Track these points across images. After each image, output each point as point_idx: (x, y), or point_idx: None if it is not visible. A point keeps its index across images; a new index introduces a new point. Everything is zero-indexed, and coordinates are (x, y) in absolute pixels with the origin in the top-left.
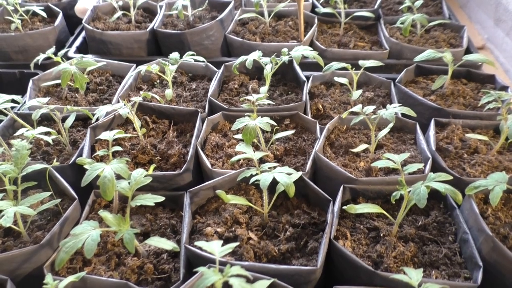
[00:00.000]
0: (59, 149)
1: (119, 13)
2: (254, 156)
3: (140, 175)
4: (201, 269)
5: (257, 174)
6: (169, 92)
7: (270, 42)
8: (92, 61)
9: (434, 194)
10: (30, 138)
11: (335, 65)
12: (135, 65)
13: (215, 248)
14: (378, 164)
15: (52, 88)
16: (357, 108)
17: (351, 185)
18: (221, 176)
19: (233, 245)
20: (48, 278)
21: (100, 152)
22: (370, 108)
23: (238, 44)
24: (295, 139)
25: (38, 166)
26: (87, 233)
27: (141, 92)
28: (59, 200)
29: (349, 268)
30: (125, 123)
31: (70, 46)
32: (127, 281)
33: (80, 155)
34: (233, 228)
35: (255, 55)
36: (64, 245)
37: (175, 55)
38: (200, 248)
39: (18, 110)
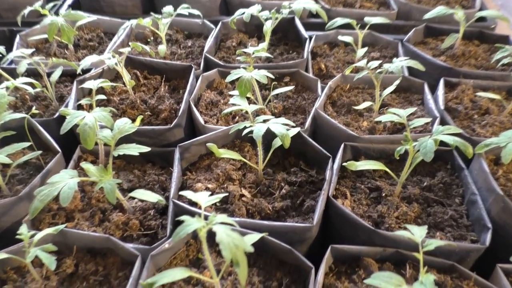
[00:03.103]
0: (45, 105)
1: None
2: (249, 108)
3: (124, 124)
4: (183, 217)
5: (251, 126)
6: (162, 48)
7: (268, 0)
8: (81, 14)
9: (440, 155)
10: (11, 88)
11: (340, 20)
12: (127, 21)
13: (200, 198)
14: (383, 118)
15: (41, 44)
16: (361, 63)
17: (353, 143)
18: (210, 133)
19: (220, 195)
20: (23, 228)
21: (83, 101)
22: (375, 63)
23: (237, 2)
24: (294, 98)
25: (17, 115)
26: (64, 182)
27: (130, 43)
28: (40, 152)
29: (347, 227)
30: (115, 78)
31: (62, 3)
32: (110, 236)
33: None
34: (225, 185)
35: (254, 9)
36: (39, 194)
37: (169, 8)
38: (188, 203)
39: (2, 64)
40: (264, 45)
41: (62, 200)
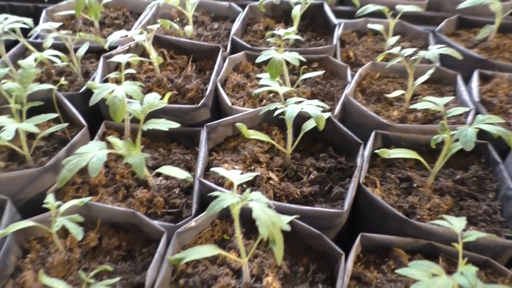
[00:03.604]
0: (70, 80)
1: None
2: (280, 89)
3: (154, 99)
4: (217, 193)
5: (282, 108)
6: (189, 28)
7: None
8: None
9: (474, 148)
10: (39, 60)
11: (371, 7)
12: (153, 1)
13: (233, 175)
14: (418, 106)
15: (66, 21)
16: (395, 50)
17: (384, 132)
18: (238, 114)
19: (252, 174)
20: (49, 197)
21: (112, 75)
22: (409, 51)
23: None
24: (323, 83)
25: (45, 86)
26: (93, 153)
27: (159, 20)
28: (66, 124)
29: (377, 216)
30: (141, 56)
31: None
32: (135, 211)
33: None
34: (252, 167)
35: None
36: (67, 163)
37: None
38: (215, 182)
39: (28, 37)
40: (293, 28)
41: (91, 171)
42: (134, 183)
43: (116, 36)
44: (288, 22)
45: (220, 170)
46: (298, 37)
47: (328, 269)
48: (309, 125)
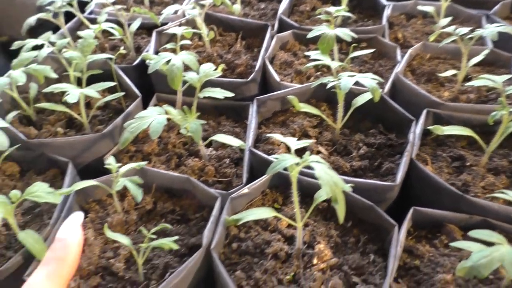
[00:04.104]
0: (123, 55)
1: None
2: (332, 64)
3: (209, 68)
4: (277, 155)
5: (334, 81)
6: (237, 6)
7: None
8: None
9: None
10: (96, 31)
11: None
12: None
13: (290, 141)
14: (475, 83)
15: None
16: (450, 28)
17: (436, 110)
18: (288, 88)
19: (309, 141)
20: (110, 159)
21: (168, 45)
22: (464, 29)
23: None
24: (371, 63)
25: (104, 55)
26: (153, 117)
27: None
28: (123, 93)
29: (429, 192)
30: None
31: None
32: (190, 177)
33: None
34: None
35: None
36: (129, 126)
37: None
38: (265, 153)
39: (84, 13)
40: (342, 7)
41: (152, 132)
42: (185, 152)
43: (170, 9)
44: (335, 4)
45: (277, 136)
46: (349, 14)
47: (379, 241)
48: (360, 100)
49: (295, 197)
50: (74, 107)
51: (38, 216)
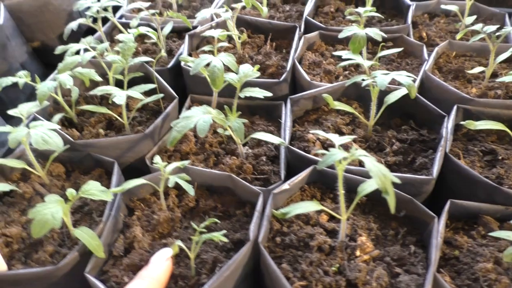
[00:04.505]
0: (154, 57)
1: None
2: (364, 62)
3: (248, 69)
4: (322, 151)
5: (369, 79)
6: (264, 9)
7: None
8: None
9: None
10: (135, 34)
11: None
12: None
13: (333, 137)
14: (506, 79)
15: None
16: (477, 26)
17: (466, 106)
18: (319, 87)
19: (351, 136)
20: (157, 158)
21: (206, 48)
22: (491, 27)
23: None
24: (398, 62)
25: (144, 58)
26: (198, 116)
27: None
28: (162, 95)
29: (463, 185)
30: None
31: None
32: (231, 174)
33: (178, 61)
34: None
35: None
36: (176, 125)
37: None
38: (302, 150)
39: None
40: (370, 8)
41: (199, 131)
42: (222, 151)
43: (205, 13)
44: (358, 4)
45: (320, 132)
46: (378, 14)
47: (417, 234)
48: (392, 97)
49: (340, 190)
50: (114, 109)
51: (87, 214)
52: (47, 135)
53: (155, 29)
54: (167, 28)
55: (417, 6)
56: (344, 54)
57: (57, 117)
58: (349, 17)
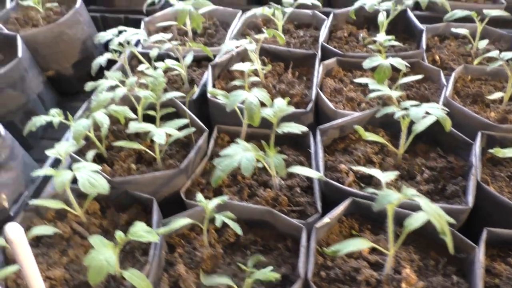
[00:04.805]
0: (176, 87)
1: None
2: (392, 93)
3: (283, 104)
4: (372, 190)
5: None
6: (282, 36)
7: None
8: (207, 1)
9: None
10: (163, 68)
11: (459, 13)
12: (241, 11)
13: (377, 173)
14: None
15: (161, 31)
16: (493, 53)
17: (489, 132)
18: (347, 117)
19: (394, 172)
20: (199, 196)
21: (237, 82)
22: (509, 54)
23: None
24: (416, 87)
25: (175, 94)
26: (240, 154)
27: (264, 30)
28: (194, 129)
29: (496, 212)
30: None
31: None
32: (271, 209)
33: (203, 91)
34: (367, 168)
35: (373, 0)
36: (219, 164)
37: None
38: (337, 180)
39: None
40: (383, 35)
41: (244, 170)
42: (255, 183)
43: (231, 45)
44: (369, 28)
45: (362, 168)
46: (398, 43)
47: (457, 263)
48: (421, 126)
49: (390, 228)
50: (143, 142)
51: (130, 253)
52: (93, 178)
53: (175, 59)
54: (188, 59)
55: (427, 29)
56: (365, 81)
57: (91, 154)
58: (370, 47)
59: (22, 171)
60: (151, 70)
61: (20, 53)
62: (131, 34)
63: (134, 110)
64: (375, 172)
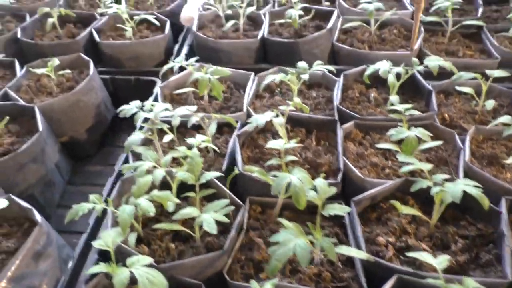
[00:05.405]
0: (201, 155)
1: (231, 22)
2: (423, 166)
3: (325, 184)
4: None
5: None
6: (298, 100)
7: (379, 51)
8: (225, 70)
9: None
10: (197, 145)
11: (465, 75)
12: (253, 73)
13: (431, 259)
14: None
15: (176, 95)
16: (506, 118)
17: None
18: (379, 185)
19: (446, 257)
20: (253, 284)
21: (274, 161)
22: None
23: (346, 52)
24: (434, 149)
25: (214, 173)
26: (293, 241)
27: (290, 102)
28: (233, 207)
29: None
30: (263, 131)
31: (178, 53)
32: None
33: (231, 162)
34: (404, 238)
35: (385, 65)
36: (274, 253)
37: (302, 64)
38: (378, 255)
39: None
40: (396, 99)
41: (301, 261)
42: (295, 258)
43: (260, 120)
44: (378, 87)
45: (418, 255)
46: (417, 112)
47: None
48: (451, 197)
49: None
50: (179, 220)
51: None
52: (150, 275)
53: (196, 126)
54: (213, 128)
55: (432, 86)
56: (388, 147)
57: (133, 237)
58: (392, 116)
59: (58, 255)
60: (182, 149)
61: (40, 126)
62: (160, 109)
63: (164, 186)
64: (427, 257)
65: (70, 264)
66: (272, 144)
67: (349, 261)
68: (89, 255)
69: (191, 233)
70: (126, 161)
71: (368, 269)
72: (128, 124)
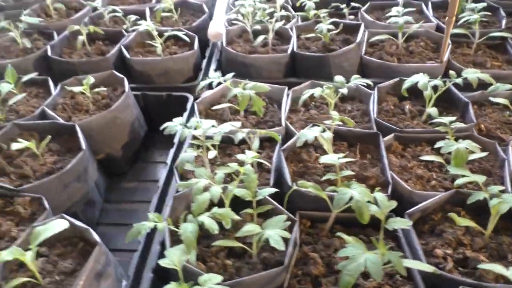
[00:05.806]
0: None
1: (261, 37)
2: (479, 179)
3: (384, 198)
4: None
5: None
6: (335, 113)
7: (408, 63)
8: (264, 85)
9: None
10: (249, 161)
11: (502, 86)
12: (287, 87)
13: (503, 271)
14: None
15: (211, 111)
16: None
17: None
18: (427, 197)
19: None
20: None
21: (330, 176)
22: None
23: (376, 65)
24: (477, 160)
25: (271, 190)
26: (363, 256)
27: (334, 116)
28: (289, 223)
29: None
30: (305, 145)
31: (206, 68)
32: None
33: (277, 178)
34: (460, 250)
35: (423, 78)
36: (345, 268)
37: (340, 78)
38: (438, 267)
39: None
40: (435, 111)
41: (375, 275)
42: None
43: (308, 135)
44: (410, 99)
45: (491, 266)
46: (463, 124)
47: None
48: (506, 207)
49: None
50: (230, 233)
51: None
52: None
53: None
54: (256, 143)
55: (465, 97)
56: (433, 159)
57: (193, 256)
58: (438, 128)
59: (115, 275)
60: (245, 167)
61: (83, 145)
62: (208, 127)
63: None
64: (501, 269)
65: (124, 283)
66: (326, 159)
67: (411, 275)
68: (144, 273)
69: (249, 249)
70: (168, 178)
71: (426, 281)
72: (160, 140)
